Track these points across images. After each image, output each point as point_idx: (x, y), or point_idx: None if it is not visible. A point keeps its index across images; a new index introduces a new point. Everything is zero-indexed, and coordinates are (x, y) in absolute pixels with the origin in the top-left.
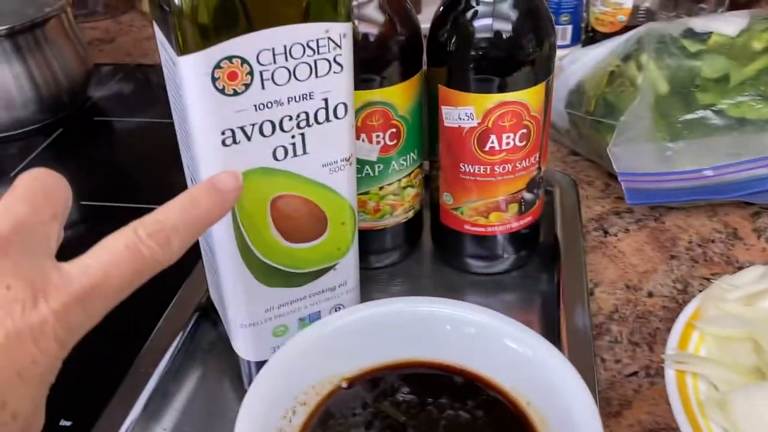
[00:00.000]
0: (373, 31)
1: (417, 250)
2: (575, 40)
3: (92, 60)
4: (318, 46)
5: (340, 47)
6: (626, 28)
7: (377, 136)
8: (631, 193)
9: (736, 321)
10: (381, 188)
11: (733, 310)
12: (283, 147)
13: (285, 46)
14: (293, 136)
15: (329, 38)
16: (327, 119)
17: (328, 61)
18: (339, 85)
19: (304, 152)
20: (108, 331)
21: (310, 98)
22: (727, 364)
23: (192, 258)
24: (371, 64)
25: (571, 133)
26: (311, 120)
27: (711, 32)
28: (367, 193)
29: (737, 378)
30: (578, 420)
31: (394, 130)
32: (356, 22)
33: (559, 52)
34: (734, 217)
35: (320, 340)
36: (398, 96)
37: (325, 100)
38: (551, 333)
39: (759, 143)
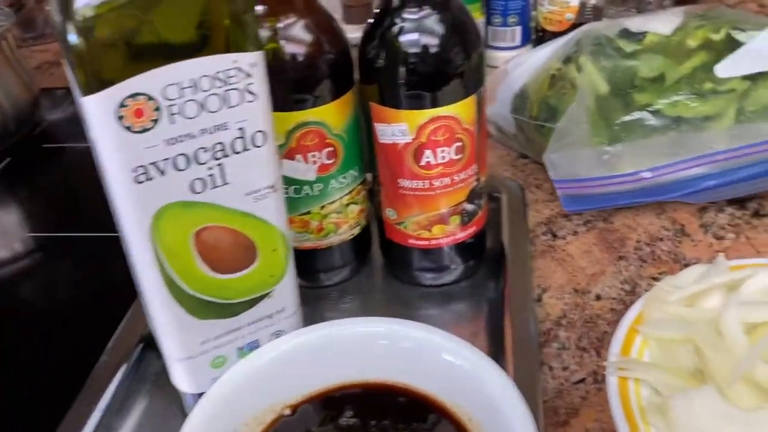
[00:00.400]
0: (300, 51)
1: (368, 265)
2: (525, 41)
3: (41, 84)
4: (227, 77)
5: (251, 76)
6: (574, 26)
7: (313, 156)
8: (568, 200)
9: (678, 323)
10: (323, 207)
11: (674, 311)
12: (201, 179)
13: (192, 80)
14: (211, 168)
15: (238, 68)
16: (245, 148)
17: (240, 90)
18: (254, 113)
19: (225, 183)
20: (51, 365)
21: (225, 128)
22: (668, 368)
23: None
24: (300, 84)
25: (519, 137)
26: (228, 150)
27: (646, 32)
28: (308, 213)
29: (678, 382)
30: None
31: (330, 149)
32: (282, 43)
33: (506, 55)
34: (682, 214)
35: (259, 368)
36: (331, 115)
37: (241, 129)
38: (498, 343)
39: (696, 142)
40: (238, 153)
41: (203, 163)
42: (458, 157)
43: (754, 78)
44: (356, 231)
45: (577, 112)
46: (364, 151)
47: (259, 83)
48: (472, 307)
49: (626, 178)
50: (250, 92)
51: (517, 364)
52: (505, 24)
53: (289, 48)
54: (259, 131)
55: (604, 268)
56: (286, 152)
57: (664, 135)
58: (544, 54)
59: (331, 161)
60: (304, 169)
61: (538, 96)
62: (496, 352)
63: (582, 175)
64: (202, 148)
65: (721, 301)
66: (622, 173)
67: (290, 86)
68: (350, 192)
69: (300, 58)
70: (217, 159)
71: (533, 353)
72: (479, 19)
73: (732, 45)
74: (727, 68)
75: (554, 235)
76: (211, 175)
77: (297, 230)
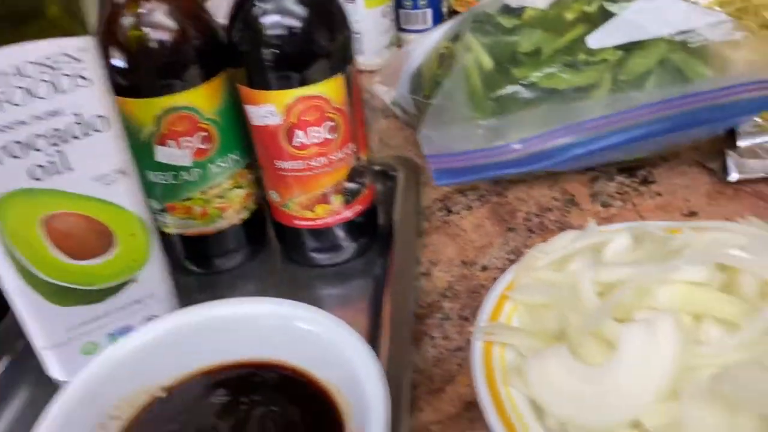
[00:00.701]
0: (163, 36)
1: (265, 249)
2: (437, 22)
3: None
4: (55, 63)
5: (81, 61)
6: None
7: (186, 141)
8: (439, 174)
9: (544, 287)
10: (203, 192)
11: (542, 276)
12: (41, 166)
13: (16, 67)
14: (50, 154)
15: (66, 54)
16: (86, 134)
17: (71, 76)
18: (90, 98)
19: (69, 168)
20: None
21: (60, 115)
22: (532, 332)
23: None
24: (166, 69)
25: (419, 117)
26: (67, 136)
27: (525, 7)
28: (189, 198)
29: (541, 344)
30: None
31: (204, 133)
32: (144, 28)
33: (410, 37)
34: (573, 184)
35: (130, 352)
36: (201, 99)
37: (78, 114)
38: (378, 318)
39: (566, 112)
40: (78, 139)
41: (41, 150)
42: (332, 136)
43: (627, 48)
44: (245, 215)
45: (451, 89)
46: (246, 136)
47: (92, 68)
48: (364, 285)
49: (497, 150)
50: (83, 77)
51: (393, 336)
52: (416, 7)
53: (152, 33)
54: (99, 116)
55: (493, 240)
56: (158, 138)
57: (537, 107)
58: (438, 34)
59: (206, 146)
60: (178, 155)
61: (429, 75)
62: (376, 326)
63: (455, 149)
64: (38, 134)
65: (584, 265)
66: (493, 146)
67: (155, 71)
68: (233, 176)
69: (163, 43)
70: (56, 145)
71: (409, 326)
72: (390, 2)
73: (605, 16)
74: (598, 39)
75: (449, 211)
76: (52, 162)
77: (180, 216)
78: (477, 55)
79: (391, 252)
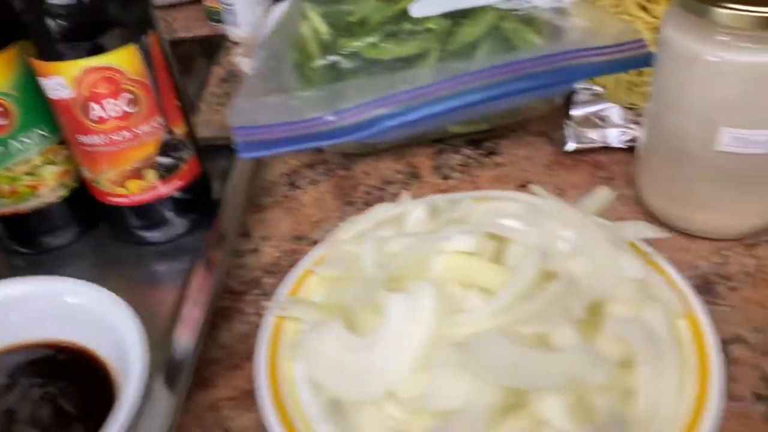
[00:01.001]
0: None
1: (98, 227)
2: None
3: None
4: None
5: None
6: None
7: None
8: (244, 146)
9: (344, 260)
10: (8, 169)
11: (345, 249)
12: None
13: None
14: None
15: None
16: None
17: None
18: None
19: None
20: None
21: None
22: (320, 305)
23: None
24: None
25: None
26: None
27: None
28: None
29: (328, 318)
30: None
31: (0, 108)
32: None
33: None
34: (419, 158)
35: None
36: None
37: None
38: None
39: (384, 83)
40: None
41: None
42: (133, 110)
43: (456, 18)
44: (63, 193)
45: (273, 59)
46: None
47: None
48: (189, 262)
49: (311, 123)
50: None
51: (194, 313)
52: None
53: None
54: None
55: (330, 214)
56: None
57: (356, 78)
58: (286, 4)
59: (4, 121)
60: None
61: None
62: (179, 305)
63: (265, 121)
64: None
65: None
66: (306, 118)
67: None
68: (43, 152)
69: None
70: None
71: (215, 302)
72: None
73: None
74: (421, 8)
75: (293, 185)
76: None
77: None
78: (314, 24)
79: (212, 227)
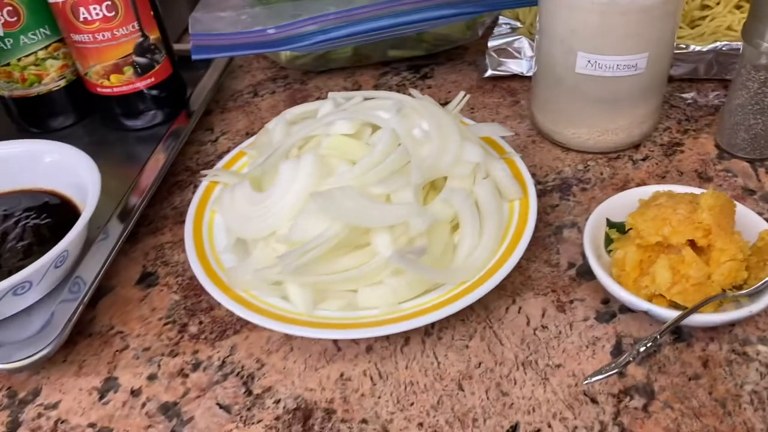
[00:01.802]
0: None
1: (93, 115)
2: None
3: None
4: None
5: None
6: None
7: None
8: (198, 49)
9: (265, 141)
10: (19, 60)
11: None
12: None
13: None
14: None
15: None
16: None
17: None
18: None
19: None
20: None
21: None
22: (239, 173)
23: None
24: None
25: None
26: None
27: None
28: (8, 65)
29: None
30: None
31: (9, 8)
32: None
33: None
34: (364, 77)
35: None
36: None
37: None
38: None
39: (314, 7)
40: None
41: None
42: (111, 14)
43: None
44: (62, 83)
45: None
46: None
47: None
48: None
49: (255, 34)
50: None
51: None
52: None
53: None
54: None
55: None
56: None
57: (292, 2)
58: None
59: (14, 19)
60: None
61: None
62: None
63: (218, 30)
64: None
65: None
66: (252, 30)
67: None
68: (46, 48)
69: None
70: None
71: (169, 176)
72: None
73: None
74: None
75: (255, 94)
76: None
77: (4, 80)
78: None
79: (178, 120)
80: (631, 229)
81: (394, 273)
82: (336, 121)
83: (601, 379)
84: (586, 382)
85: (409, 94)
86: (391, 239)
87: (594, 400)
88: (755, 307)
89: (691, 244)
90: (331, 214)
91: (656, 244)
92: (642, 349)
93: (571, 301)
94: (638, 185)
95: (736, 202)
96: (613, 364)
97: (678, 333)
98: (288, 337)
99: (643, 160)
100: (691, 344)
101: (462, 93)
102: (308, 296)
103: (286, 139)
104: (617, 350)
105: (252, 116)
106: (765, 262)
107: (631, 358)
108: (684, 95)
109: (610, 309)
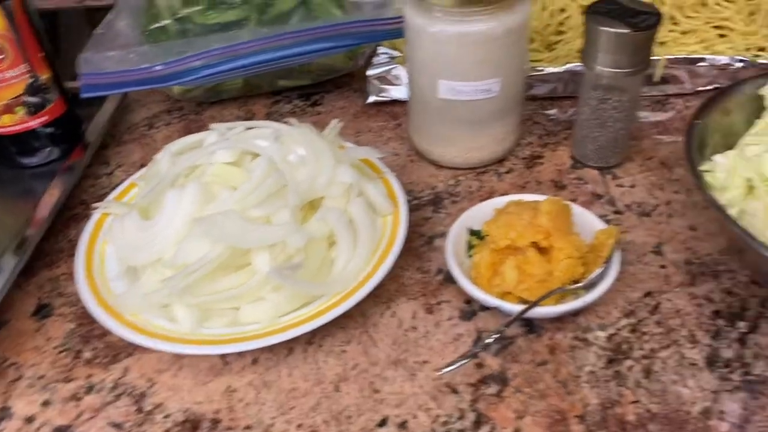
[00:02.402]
0: None
1: None
2: None
3: None
4: None
5: None
6: None
7: None
8: (87, 88)
9: (155, 172)
10: None
11: (157, 165)
12: None
13: None
14: None
15: None
16: None
17: None
18: None
19: None
20: None
21: None
22: (129, 204)
23: None
24: None
25: None
26: None
27: None
28: None
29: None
30: None
31: None
32: None
33: None
34: (257, 106)
35: None
36: None
37: None
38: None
39: (200, 44)
40: None
41: None
42: (1, 57)
43: None
44: None
45: (113, 21)
46: None
47: None
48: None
49: (144, 71)
50: None
51: (44, 216)
52: None
53: None
54: None
55: None
56: None
57: (179, 39)
58: None
59: None
60: None
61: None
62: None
63: (109, 69)
64: None
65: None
66: (140, 67)
67: None
68: None
69: None
70: None
71: (63, 210)
72: None
73: None
74: None
75: (151, 126)
76: None
77: None
78: None
79: (74, 155)
80: (487, 235)
81: (274, 289)
82: (217, 151)
83: (452, 370)
84: (439, 373)
85: (287, 122)
86: (270, 257)
87: (455, 390)
88: (589, 297)
89: (536, 245)
90: (214, 237)
91: (506, 248)
92: (489, 341)
93: (439, 303)
94: (502, 195)
95: (576, 206)
96: (463, 356)
97: (530, 325)
98: (178, 356)
99: (507, 173)
100: (541, 335)
101: (335, 121)
102: (194, 316)
103: (171, 169)
104: (477, 344)
105: (147, 148)
106: (600, 258)
107: (478, 350)
108: (547, 112)
109: (471, 308)
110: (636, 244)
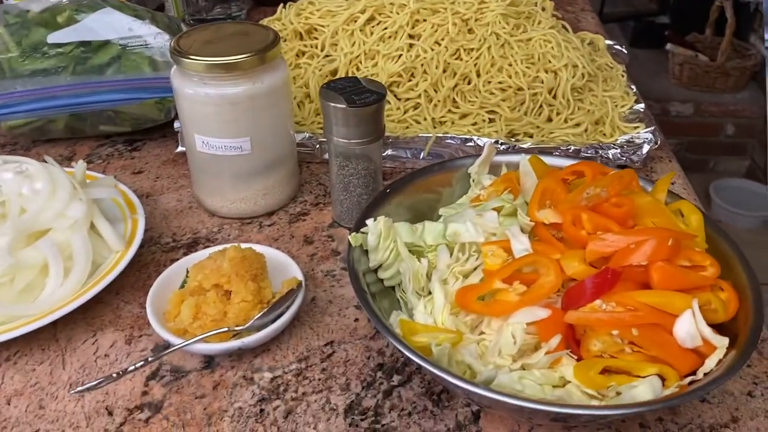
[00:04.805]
0: None
1: None
2: None
3: None
4: None
5: None
6: None
7: None
8: None
9: None
10: None
11: None
12: None
13: None
14: None
15: None
16: None
17: None
18: None
19: None
20: None
21: None
22: None
23: None
24: None
25: None
26: None
27: (29, 10)
28: None
29: None
30: None
31: None
32: None
33: None
34: (83, 147)
35: None
36: None
37: None
38: None
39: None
40: None
41: None
42: None
43: (87, 45)
44: None
45: None
46: None
47: None
48: None
49: None
50: None
51: None
52: None
53: None
54: None
55: None
56: None
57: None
58: None
59: None
60: None
61: None
62: None
63: None
64: None
65: None
66: None
67: None
68: None
69: None
70: None
71: None
72: None
73: (72, 22)
74: (57, 37)
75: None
76: None
77: None
78: (5, 41)
79: None
80: (188, 277)
81: None
82: None
83: (81, 391)
84: (72, 392)
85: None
86: None
87: (111, 413)
88: (249, 339)
89: (221, 288)
90: None
91: (197, 287)
92: (131, 368)
93: (141, 336)
94: (255, 244)
95: (286, 256)
96: (96, 381)
97: (209, 362)
98: None
99: (270, 225)
100: (215, 370)
101: (81, 161)
102: None
103: None
104: (153, 374)
105: None
106: (279, 303)
107: (114, 375)
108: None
109: (166, 343)
110: (345, 298)
